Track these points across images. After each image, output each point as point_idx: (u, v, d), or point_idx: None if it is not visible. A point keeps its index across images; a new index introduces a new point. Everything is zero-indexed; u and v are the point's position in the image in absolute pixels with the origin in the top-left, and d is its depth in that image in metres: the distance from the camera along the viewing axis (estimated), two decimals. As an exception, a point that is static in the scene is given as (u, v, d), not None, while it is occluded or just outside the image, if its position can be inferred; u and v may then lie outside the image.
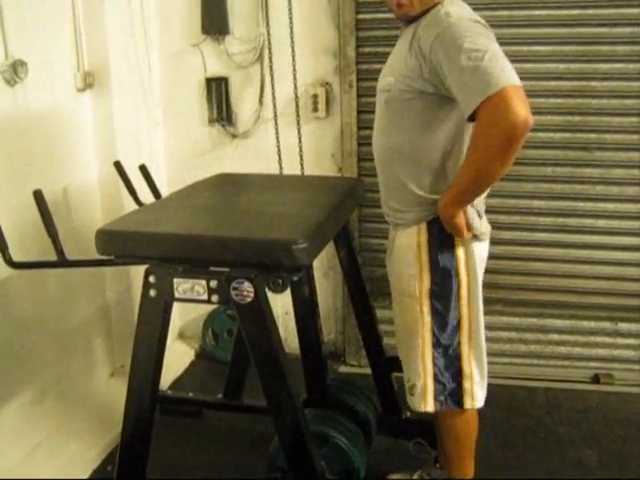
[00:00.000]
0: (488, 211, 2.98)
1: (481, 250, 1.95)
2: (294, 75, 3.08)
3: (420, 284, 1.93)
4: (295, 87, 3.10)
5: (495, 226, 3.01)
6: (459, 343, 1.96)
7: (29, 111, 2.48)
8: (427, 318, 1.94)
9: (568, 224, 3.03)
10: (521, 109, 1.56)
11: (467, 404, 2.00)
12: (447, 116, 1.81)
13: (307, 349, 2.49)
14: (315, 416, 2.23)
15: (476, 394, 2.00)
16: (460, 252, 1.90)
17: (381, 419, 2.53)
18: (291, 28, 3.04)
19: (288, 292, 2.20)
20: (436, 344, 1.95)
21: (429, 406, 2.00)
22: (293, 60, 3.07)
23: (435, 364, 1.96)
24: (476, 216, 1.90)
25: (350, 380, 2.67)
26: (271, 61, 3.10)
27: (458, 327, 1.94)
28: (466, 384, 1.98)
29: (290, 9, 3.02)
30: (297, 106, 3.12)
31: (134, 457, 1.96)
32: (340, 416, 2.28)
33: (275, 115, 3.15)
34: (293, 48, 3.06)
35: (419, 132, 1.85)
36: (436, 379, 1.97)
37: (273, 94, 3.12)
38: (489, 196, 2.97)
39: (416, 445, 2.40)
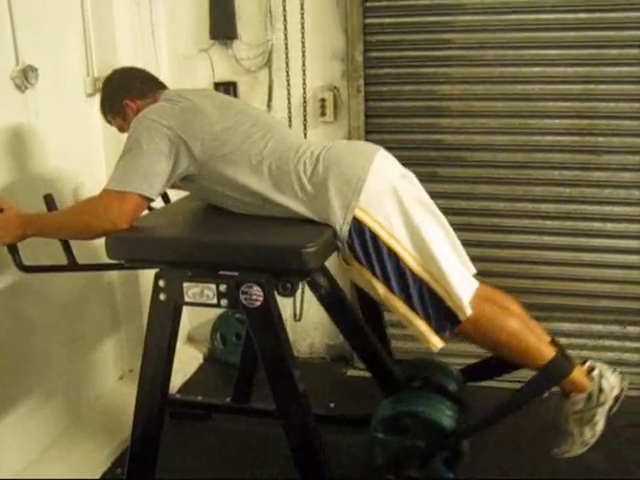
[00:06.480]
0: (496, 215, 3.03)
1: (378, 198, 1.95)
2: (303, 79, 3.10)
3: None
4: (304, 91, 3.11)
5: (503, 230, 3.07)
6: (412, 273, 1.95)
7: (39, 116, 2.50)
8: (369, 276, 1.96)
9: (576, 227, 3.02)
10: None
11: (461, 316, 1.99)
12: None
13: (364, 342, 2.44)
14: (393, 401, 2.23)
15: (463, 302, 1.97)
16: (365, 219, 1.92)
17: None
18: (302, 33, 3.05)
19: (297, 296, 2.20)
20: (395, 290, 1.96)
21: (438, 342, 2.00)
22: (303, 65, 3.09)
23: (410, 306, 1.97)
24: None
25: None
26: (287, 65, 3.10)
27: (400, 263, 1.94)
28: (449, 302, 1.98)
29: (302, 14, 3.03)
30: (305, 110, 3.13)
31: (144, 460, 1.98)
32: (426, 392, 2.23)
33: (289, 119, 3.16)
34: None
35: None
36: (423, 317, 1.98)
37: (289, 99, 3.13)
38: (497, 199, 3.02)
39: None
